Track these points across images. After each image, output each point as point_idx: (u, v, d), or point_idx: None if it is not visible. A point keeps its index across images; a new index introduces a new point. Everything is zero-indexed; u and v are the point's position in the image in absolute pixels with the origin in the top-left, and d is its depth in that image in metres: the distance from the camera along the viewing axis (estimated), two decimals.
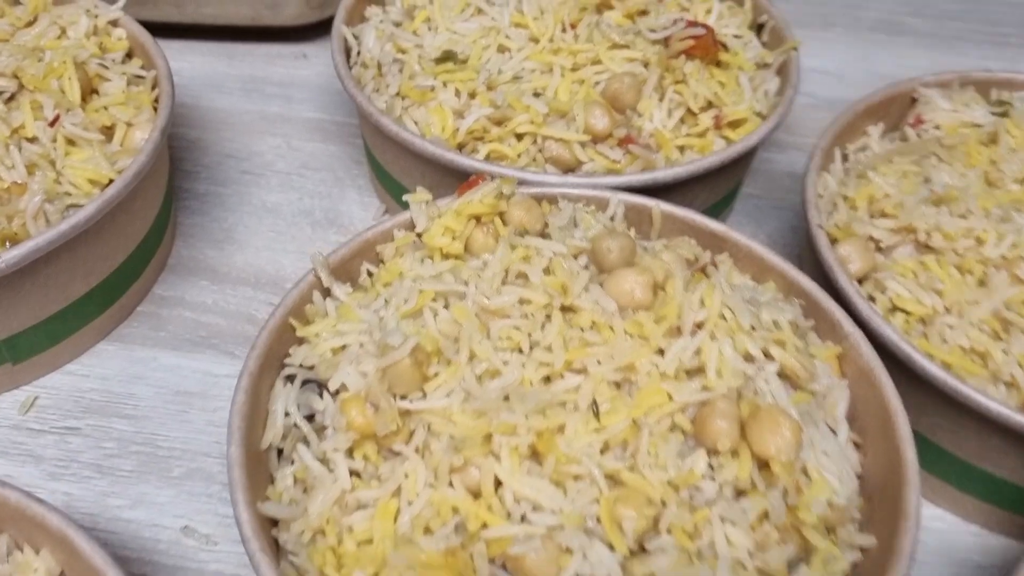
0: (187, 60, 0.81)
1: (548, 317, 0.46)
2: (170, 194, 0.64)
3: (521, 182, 0.55)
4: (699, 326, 0.46)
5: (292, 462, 0.45)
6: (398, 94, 0.62)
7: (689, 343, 0.45)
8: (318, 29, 0.84)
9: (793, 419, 0.42)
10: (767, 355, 0.45)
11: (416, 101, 0.61)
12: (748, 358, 0.45)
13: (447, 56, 0.62)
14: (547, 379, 0.44)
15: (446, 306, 0.47)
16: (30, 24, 0.63)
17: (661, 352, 0.45)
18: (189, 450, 0.55)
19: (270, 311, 0.61)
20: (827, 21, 0.89)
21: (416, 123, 0.61)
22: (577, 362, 0.44)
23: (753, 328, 0.45)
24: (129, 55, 0.65)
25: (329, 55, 0.83)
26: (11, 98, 0.57)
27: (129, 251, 0.59)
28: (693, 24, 0.63)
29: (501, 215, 0.52)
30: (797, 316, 0.48)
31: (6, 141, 0.54)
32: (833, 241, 0.54)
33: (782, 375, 0.45)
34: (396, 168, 0.64)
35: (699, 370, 0.45)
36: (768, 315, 0.47)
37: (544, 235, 0.52)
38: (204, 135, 0.75)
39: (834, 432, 0.46)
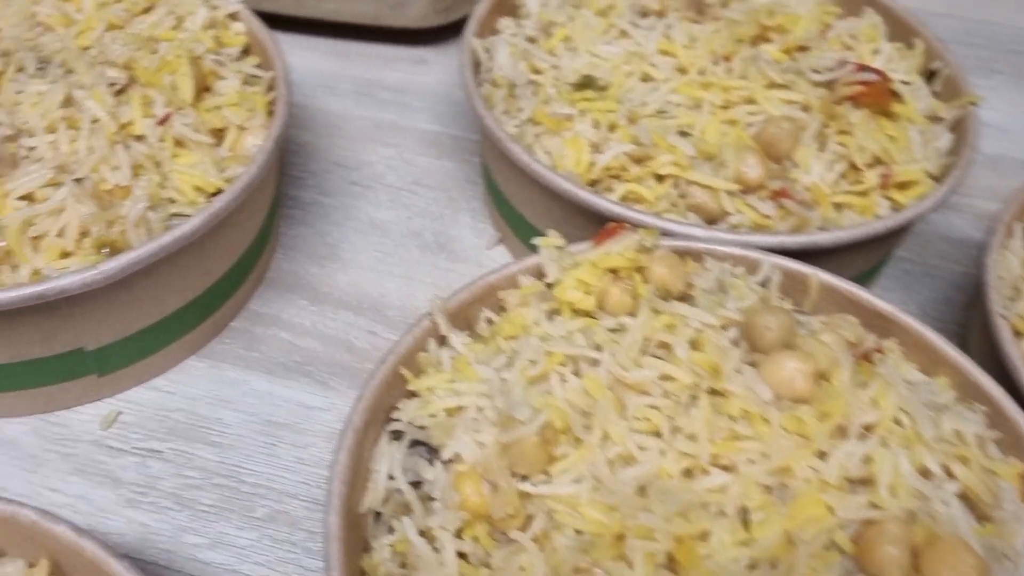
0: (300, 56, 0.77)
1: (693, 399, 0.41)
2: (276, 203, 0.60)
3: (663, 233, 0.49)
4: (868, 429, 0.40)
5: (391, 530, 0.40)
6: (530, 119, 0.57)
7: (856, 449, 0.39)
8: (439, 33, 0.80)
9: (978, 556, 0.36)
10: (948, 472, 0.39)
11: (550, 129, 0.56)
12: (925, 474, 0.39)
13: (586, 82, 0.57)
14: (688, 472, 0.39)
15: (575, 372, 0.42)
16: (146, 11, 0.59)
17: (822, 456, 0.39)
18: (275, 489, 0.50)
19: (370, 340, 0.58)
20: (990, 68, 0.81)
21: (548, 153, 0.56)
22: (725, 457, 0.39)
23: (934, 439, 0.39)
24: (245, 51, 0.61)
25: (449, 62, 0.79)
26: (121, 91, 0.53)
27: (230, 264, 0.55)
28: (864, 68, 0.57)
29: (640, 270, 0.46)
30: (981, 427, 0.42)
31: (113, 138, 0.51)
32: (1015, 334, 0.47)
33: (963, 497, 0.39)
34: (519, 198, 0.59)
35: (865, 482, 0.39)
36: (950, 424, 0.40)
37: (686, 297, 0.46)
38: (314, 139, 0.71)
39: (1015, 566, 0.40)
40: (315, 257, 0.62)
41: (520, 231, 0.60)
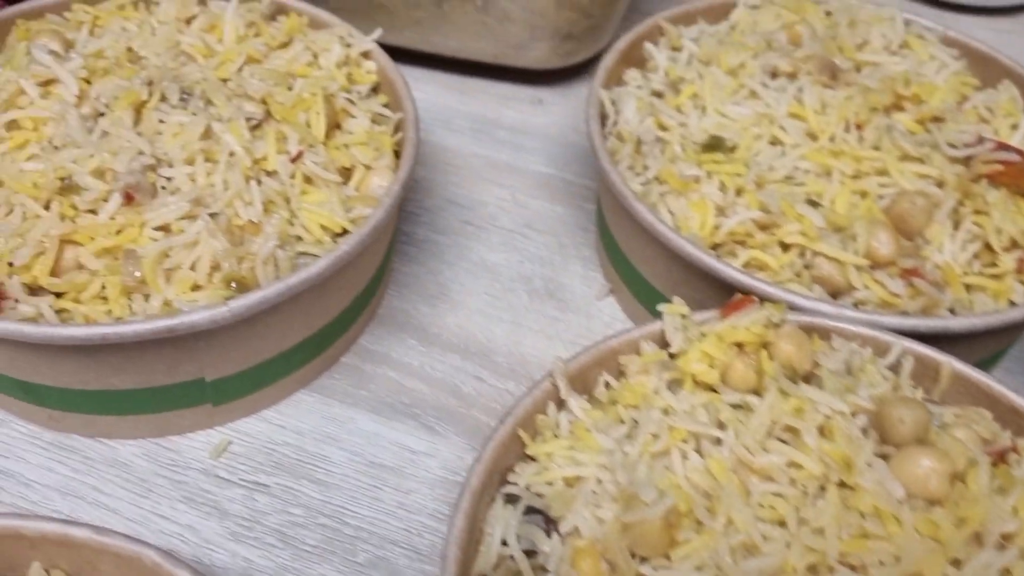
0: (421, 90, 0.77)
1: (822, 490, 0.39)
2: (393, 241, 0.61)
3: (790, 306, 0.48)
4: (1007, 539, 0.38)
5: None
6: (656, 178, 0.56)
7: (994, 559, 0.37)
8: (556, 74, 0.80)
9: None
10: None
11: (675, 189, 0.55)
12: None
13: (715, 143, 0.56)
14: (813, 569, 0.38)
15: (697, 450, 0.41)
16: (284, 46, 0.60)
17: (957, 564, 0.37)
18: (376, 534, 0.50)
19: (476, 387, 0.58)
20: None
21: (672, 214, 0.55)
22: (853, 556, 0.38)
23: None
24: (374, 89, 0.62)
25: (566, 103, 0.79)
26: (257, 126, 0.54)
27: (347, 302, 0.55)
28: (1004, 147, 0.55)
29: (766, 345, 0.45)
30: None
31: (247, 173, 0.51)
32: None
33: None
34: (638, 256, 0.58)
35: None
36: None
37: (812, 377, 0.45)
38: (430, 175, 0.71)
39: None
40: (426, 296, 0.63)
41: (635, 287, 0.60)
